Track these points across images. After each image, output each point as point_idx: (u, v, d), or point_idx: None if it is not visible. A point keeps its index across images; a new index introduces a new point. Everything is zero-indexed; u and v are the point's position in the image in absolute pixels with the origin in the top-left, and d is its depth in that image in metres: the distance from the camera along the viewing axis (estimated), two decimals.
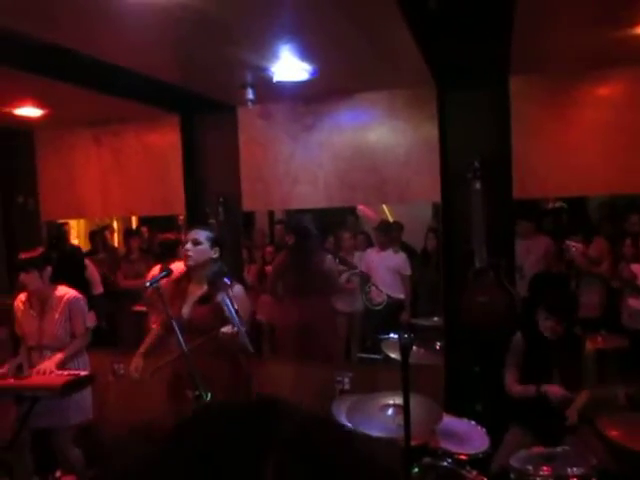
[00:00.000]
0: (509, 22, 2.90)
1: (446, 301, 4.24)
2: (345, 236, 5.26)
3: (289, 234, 4.87)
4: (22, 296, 3.74)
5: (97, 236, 6.27)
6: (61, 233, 5.74)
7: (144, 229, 6.83)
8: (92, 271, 5.20)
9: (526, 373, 3.43)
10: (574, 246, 4.00)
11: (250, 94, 3.63)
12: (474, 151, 3.95)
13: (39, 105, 4.01)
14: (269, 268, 4.83)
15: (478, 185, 3.93)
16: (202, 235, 3.16)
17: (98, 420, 4.12)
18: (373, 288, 5.19)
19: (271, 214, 6.34)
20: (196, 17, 2.45)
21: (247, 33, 2.77)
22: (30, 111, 4.09)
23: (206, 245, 3.15)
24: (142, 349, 3.38)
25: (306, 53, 3.11)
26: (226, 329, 2.80)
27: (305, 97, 4.20)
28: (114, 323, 5.32)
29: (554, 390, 3.23)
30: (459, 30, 3.33)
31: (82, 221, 7.55)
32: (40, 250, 3.81)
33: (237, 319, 2.72)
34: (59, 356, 3.60)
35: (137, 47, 2.94)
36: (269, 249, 5.50)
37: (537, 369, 3.38)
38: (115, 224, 7.76)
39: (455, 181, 4.09)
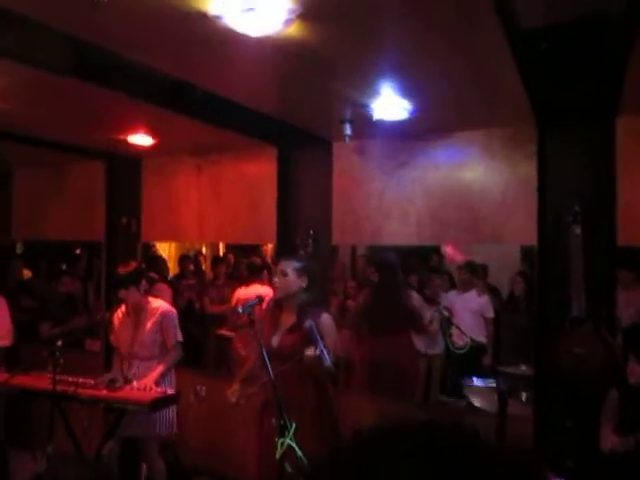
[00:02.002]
0: (622, 61, 2.81)
1: (538, 350, 4.04)
2: (435, 280, 5.13)
3: (373, 270, 4.85)
4: (122, 308, 3.95)
5: (187, 261, 6.54)
6: (153, 256, 6.04)
7: (230, 256, 7.07)
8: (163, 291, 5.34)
9: (623, 427, 3.18)
10: None
11: (348, 130, 3.70)
12: (575, 194, 3.79)
13: (151, 134, 4.28)
14: (350, 302, 4.82)
15: (578, 230, 3.75)
16: (289, 266, 3.21)
17: (177, 437, 4.22)
18: (456, 330, 5.05)
19: (353, 248, 6.37)
20: (304, 53, 2.55)
21: (352, 69, 2.84)
22: (142, 139, 4.38)
23: (293, 276, 3.18)
24: (241, 375, 3.45)
25: (408, 90, 3.14)
26: (309, 351, 2.82)
27: (400, 134, 4.22)
28: (199, 346, 5.47)
29: None
30: (566, 68, 3.26)
31: (173, 245, 7.92)
32: (134, 264, 4.03)
33: (321, 343, 2.74)
34: (156, 371, 3.74)
35: (245, 81, 3.08)
36: (351, 283, 5.51)
37: (635, 421, 3.13)
38: (204, 251, 8.07)
39: (553, 224, 3.93)
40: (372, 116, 3.42)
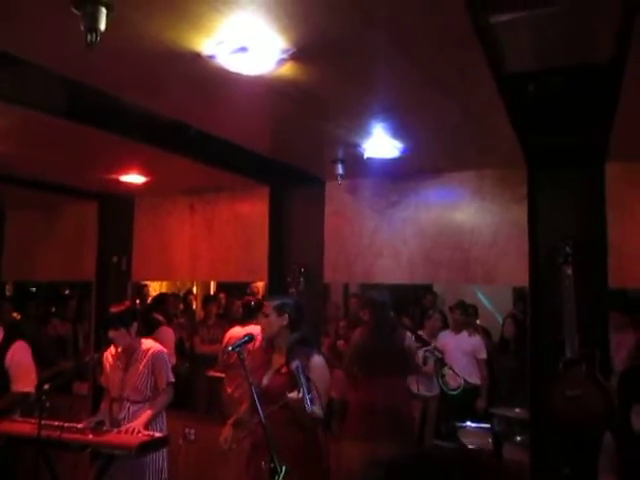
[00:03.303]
0: (610, 108, 2.87)
1: (532, 393, 3.98)
2: (435, 317, 5.07)
3: (365, 309, 4.82)
4: (112, 349, 3.86)
5: (178, 300, 6.47)
6: (143, 294, 5.98)
7: (222, 295, 7.00)
8: (167, 334, 5.28)
9: (624, 477, 3.11)
10: None
11: (340, 169, 3.74)
12: (565, 235, 3.82)
13: (144, 173, 4.30)
14: (342, 343, 4.76)
15: (569, 271, 3.76)
16: (269, 306, 3.17)
17: None
18: (449, 372, 4.98)
19: (346, 288, 6.33)
20: (297, 93, 2.58)
21: (343, 110, 2.88)
22: (135, 178, 4.40)
23: (273, 315, 3.14)
24: (231, 420, 3.33)
25: (399, 131, 3.19)
26: (293, 394, 2.75)
27: (392, 174, 4.27)
28: (189, 387, 5.36)
29: None
30: (555, 112, 3.32)
31: (164, 284, 7.85)
32: (127, 304, 3.96)
33: (305, 385, 2.67)
34: (147, 415, 3.61)
35: (238, 120, 3.12)
36: (342, 323, 5.45)
37: (636, 472, 3.06)
38: (195, 290, 8.00)
39: (545, 265, 3.95)
40: (363, 155, 3.46)
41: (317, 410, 2.77)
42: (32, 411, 3.64)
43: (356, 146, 3.40)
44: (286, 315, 3.13)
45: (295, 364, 2.81)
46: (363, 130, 3.15)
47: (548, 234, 3.97)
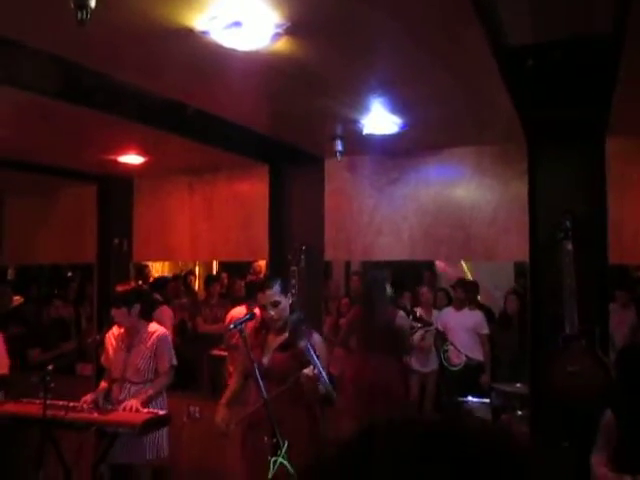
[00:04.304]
0: (610, 83, 2.83)
1: (533, 368, 4.00)
2: (423, 290, 5.17)
3: (360, 287, 4.85)
4: (116, 329, 3.88)
5: (179, 281, 6.50)
6: (144, 275, 6.01)
7: (224, 275, 7.03)
8: (165, 314, 5.30)
9: (620, 460, 3.08)
10: None
11: (339, 146, 3.71)
12: (566, 211, 3.80)
13: (142, 153, 4.28)
14: (344, 321, 4.78)
15: (569, 246, 3.75)
16: (276, 294, 3.16)
17: (170, 460, 4.14)
18: (451, 348, 5.01)
19: (348, 266, 6.34)
20: (293, 69, 2.56)
21: (341, 85, 2.85)
22: (133, 159, 4.38)
23: (283, 300, 3.16)
24: (224, 400, 3.34)
25: (398, 106, 3.16)
26: (307, 371, 2.79)
27: (392, 150, 4.25)
28: (192, 366, 5.40)
29: None
30: (555, 87, 3.29)
31: (166, 265, 7.87)
32: (132, 285, 3.97)
33: (319, 363, 2.71)
34: (146, 394, 3.66)
35: (235, 97, 3.09)
36: (344, 301, 5.47)
37: (634, 456, 3.03)
38: (197, 270, 8.03)
39: (545, 241, 3.93)
40: (362, 132, 3.43)
41: (328, 387, 2.81)
42: (37, 392, 3.67)
43: (355, 122, 3.38)
44: (289, 294, 3.17)
45: (304, 343, 2.84)
46: (361, 106, 3.12)
47: (548, 210, 3.95)
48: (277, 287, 3.17)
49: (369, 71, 2.65)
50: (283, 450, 2.51)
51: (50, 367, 3.57)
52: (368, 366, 4.17)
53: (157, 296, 5.69)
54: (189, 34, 2.13)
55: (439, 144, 4.14)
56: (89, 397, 3.71)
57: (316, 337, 3.14)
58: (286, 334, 3.12)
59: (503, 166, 4.06)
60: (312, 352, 2.75)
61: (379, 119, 3.35)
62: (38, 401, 3.51)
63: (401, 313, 4.27)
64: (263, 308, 3.20)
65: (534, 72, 3.00)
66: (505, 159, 4.06)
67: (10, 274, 6.83)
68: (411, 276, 5.42)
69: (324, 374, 2.76)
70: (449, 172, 4.24)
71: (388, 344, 4.12)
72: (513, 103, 3.09)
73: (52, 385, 3.57)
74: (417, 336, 4.61)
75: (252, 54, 2.30)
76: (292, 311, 3.21)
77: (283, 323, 3.15)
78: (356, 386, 4.28)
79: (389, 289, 4.30)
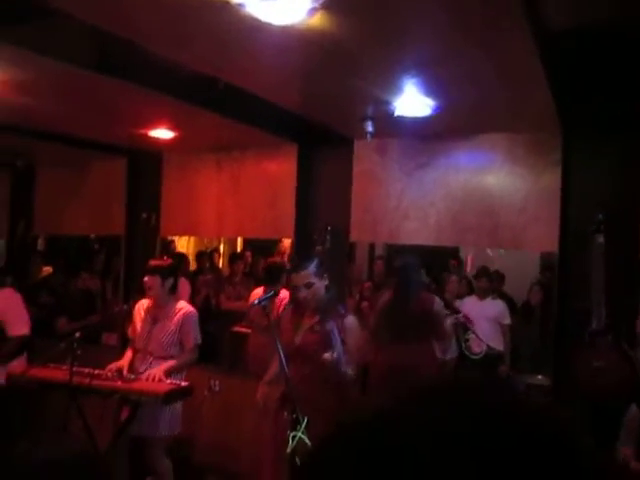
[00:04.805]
0: None
1: (556, 361, 3.96)
2: (452, 278, 5.11)
3: (392, 272, 4.79)
4: (144, 301, 3.93)
5: (204, 257, 6.56)
6: (170, 251, 6.07)
7: (248, 253, 7.07)
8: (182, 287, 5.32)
9: None
10: None
11: (369, 127, 3.67)
12: (598, 203, 3.73)
13: (172, 128, 4.30)
14: (365, 304, 4.77)
15: (601, 239, 3.68)
16: (309, 275, 3.12)
17: (189, 433, 4.20)
18: (473, 337, 4.97)
19: (371, 249, 6.31)
20: (327, 45, 2.52)
21: (374, 64, 2.81)
22: (163, 133, 4.40)
23: (318, 282, 3.13)
24: (267, 377, 3.37)
25: (431, 88, 3.11)
26: (327, 355, 2.79)
27: (422, 134, 4.20)
28: (214, 342, 5.46)
29: None
30: (594, 75, 3.20)
31: (192, 241, 7.95)
32: (169, 261, 4.03)
33: (340, 347, 2.71)
34: (169, 364, 3.70)
35: (267, 72, 3.07)
36: (367, 284, 5.46)
37: None
38: (222, 248, 8.10)
39: (575, 233, 3.87)
40: (394, 113, 3.39)
41: (350, 371, 2.81)
42: (63, 359, 3.75)
43: (386, 103, 3.33)
44: (325, 275, 3.14)
45: (331, 325, 2.84)
46: (394, 86, 3.08)
47: (580, 201, 3.88)
48: (312, 268, 3.14)
49: (404, 51, 2.61)
50: (302, 426, 2.53)
51: (77, 334, 3.66)
52: (402, 354, 4.12)
53: None
54: (225, 6, 2.12)
55: (471, 129, 4.07)
56: (114, 366, 3.78)
57: (350, 319, 3.12)
58: (318, 315, 3.12)
59: (535, 155, 3.99)
60: (335, 335, 2.75)
61: (411, 101, 3.30)
62: (64, 367, 3.61)
63: (438, 299, 4.20)
64: (296, 289, 3.16)
65: (574, 58, 2.92)
66: (538, 148, 3.98)
67: (40, 244, 6.98)
68: (434, 264, 5.37)
69: (343, 359, 2.75)
70: (480, 158, 4.17)
71: (424, 331, 4.06)
72: (551, 90, 3.02)
73: (79, 352, 3.66)
74: (447, 323, 4.56)
75: (287, 29, 2.27)
76: (327, 292, 3.18)
77: (317, 304, 3.14)
78: (388, 374, 4.25)
79: (422, 274, 4.26)
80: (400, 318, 4.13)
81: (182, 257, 6.18)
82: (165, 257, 4.17)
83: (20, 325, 4.06)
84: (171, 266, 3.92)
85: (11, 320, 4.00)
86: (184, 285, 5.40)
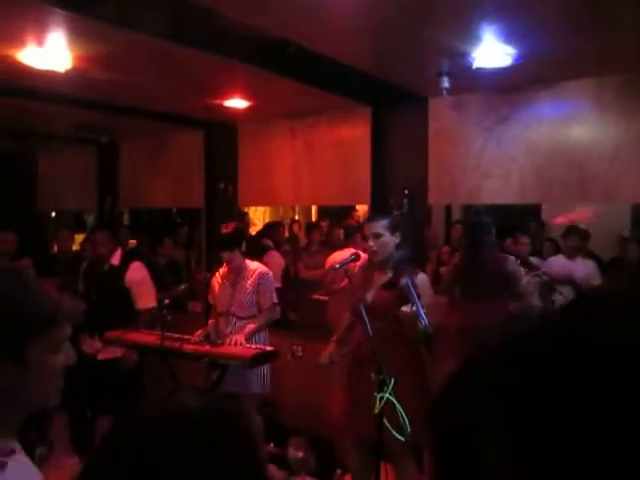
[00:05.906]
0: None
1: None
2: (523, 240, 4.91)
3: (465, 233, 4.69)
4: (222, 269, 4.07)
5: (281, 227, 6.66)
6: (245, 222, 6.20)
7: (323, 223, 7.11)
8: (273, 259, 5.40)
9: None
10: None
11: (445, 83, 3.55)
12: None
13: (246, 97, 4.33)
14: (444, 269, 4.67)
15: None
16: (380, 226, 3.12)
17: (274, 396, 4.32)
18: (560, 298, 4.77)
19: (448, 213, 6.17)
20: None
21: (452, 12, 2.69)
22: (238, 102, 4.45)
23: (387, 235, 3.12)
24: (335, 336, 3.43)
25: (513, 35, 2.94)
26: (406, 308, 2.77)
27: (501, 86, 4.00)
28: (294, 310, 5.56)
29: None
30: None
31: (267, 213, 8.07)
32: (234, 224, 4.14)
33: (418, 301, 2.68)
34: (249, 328, 3.83)
35: (339, 31, 3.01)
36: (445, 249, 5.35)
37: None
38: (297, 217, 8.19)
39: None
40: (471, 66, 3.24)
41: (427, 326, 2.78)
42: (155, 324, 3.95)
43: (463, 55, 3.19)
44: (398, 233, 3.13)
45: (405, 280, 2.82)
46: (472, 35, 2.94)
47: None
48: (384, 222, 3.15)
49: None
50: (389, 387, 2.53)
51: (167, 301, 3.83)
52: (475, 314, 4.05)
53: (268, 241, 5.87)
54: None
55: (554, 77, 3.83)
56: (201, 332, 3.94)
57: (421, 276, 3.10)
58: (390, 272, 3.10)
59: (627, 97, 3.70)
60: (412, 290, 2.72)
61: (490, 50, 3.14)
62: (156, 332, 3.80)
63: (512, 258, 4.08)
64: (365, 239, 3.19)
65: None
66: (630, 89, 3.68)
67: (125, 219, 7.32)
68: (510, 226, 5.18)
69: (423, 312, 2.72)
70: (564, 107, 3.93)
71: (498, 290, 3.97)
72: None
73: (169, 318, 3.85)
74: (524, 282, 4.41)
75: None
76: (398, 251, 3.17)
77: (387, 261, 3.13)
78: (462, 334, 4.19)
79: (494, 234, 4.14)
80: (473, 277, 4.04)
81: (275, 226, 6.34)
82: (232, 223, 4.29)
83: (150, 298, 4.21)
84: (238, 232, 4.09)
85: (140, 293, 4.14)
86: (274, 257, 5.49)
